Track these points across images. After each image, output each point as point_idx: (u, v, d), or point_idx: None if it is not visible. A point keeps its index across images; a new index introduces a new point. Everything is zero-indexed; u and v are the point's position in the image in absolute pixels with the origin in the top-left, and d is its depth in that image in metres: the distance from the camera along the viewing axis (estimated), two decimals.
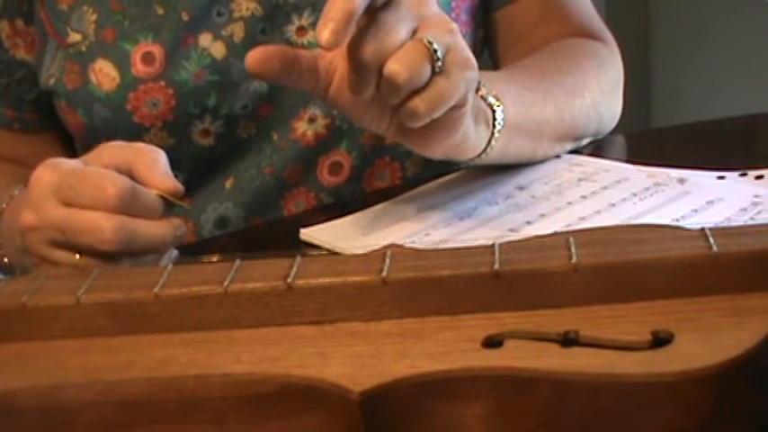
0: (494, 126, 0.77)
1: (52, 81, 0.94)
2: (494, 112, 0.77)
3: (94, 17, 0.91)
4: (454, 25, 0.70)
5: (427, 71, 0.67)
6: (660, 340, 0.51)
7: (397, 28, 0.67)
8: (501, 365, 0.50)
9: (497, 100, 0.77)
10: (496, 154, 0.79)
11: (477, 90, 0.76)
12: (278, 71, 0.68)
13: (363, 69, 0.67)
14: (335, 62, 0.71)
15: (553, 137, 0.87)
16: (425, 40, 0.67)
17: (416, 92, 0.67)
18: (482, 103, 0.77)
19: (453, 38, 0.69)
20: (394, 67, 0.66)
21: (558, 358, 0.50)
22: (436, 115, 0.68)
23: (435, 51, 0.67)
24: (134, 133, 0.90)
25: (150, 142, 0.89)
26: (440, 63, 0.67)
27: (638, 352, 0.50)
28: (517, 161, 0.86)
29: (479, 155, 0.78)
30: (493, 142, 0.78)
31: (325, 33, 0.64)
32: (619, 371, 0.48)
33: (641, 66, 2.55)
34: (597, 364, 0.49)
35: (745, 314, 0.52)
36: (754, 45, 2.37)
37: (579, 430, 0.49)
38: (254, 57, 0.68)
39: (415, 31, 0.68)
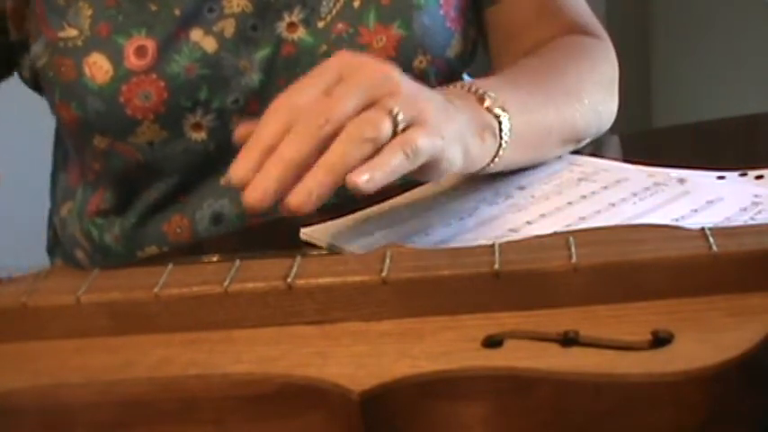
0: (501, 138, 0.77)
1: (40, 63, 0.95)
2: (500, 123, 0.77)
3: (90, 12, 0.92)
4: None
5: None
6: (660, 340, 0.51)
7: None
8: (501, 365, 0.50)
9: (504, 110, 0.77)
10: (503, 163, 0.79)
11: (483, 101, 0.76)
12: None
13: None
14: None
15: (556, 142, 0.87)
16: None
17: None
18: (488, 116, 0.76)
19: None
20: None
21: (558, 358, 0.50)
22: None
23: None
24: (127, 125, 0.91)
25: (143, 135, 0.91)
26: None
27: (638, 352, 0.50)
28: (520, 167, 0.85)
29: (487, 165, 0.78)
30: (501, 152, 0.77)
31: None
32: (619, 371, 0.48)
33: (641, 66, 2.55)
34: (597, 364, 0.49)
35: (745, 314, 0.52)
36: (754, 45, 2.37)
37: (579, 430, 0.49)
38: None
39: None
